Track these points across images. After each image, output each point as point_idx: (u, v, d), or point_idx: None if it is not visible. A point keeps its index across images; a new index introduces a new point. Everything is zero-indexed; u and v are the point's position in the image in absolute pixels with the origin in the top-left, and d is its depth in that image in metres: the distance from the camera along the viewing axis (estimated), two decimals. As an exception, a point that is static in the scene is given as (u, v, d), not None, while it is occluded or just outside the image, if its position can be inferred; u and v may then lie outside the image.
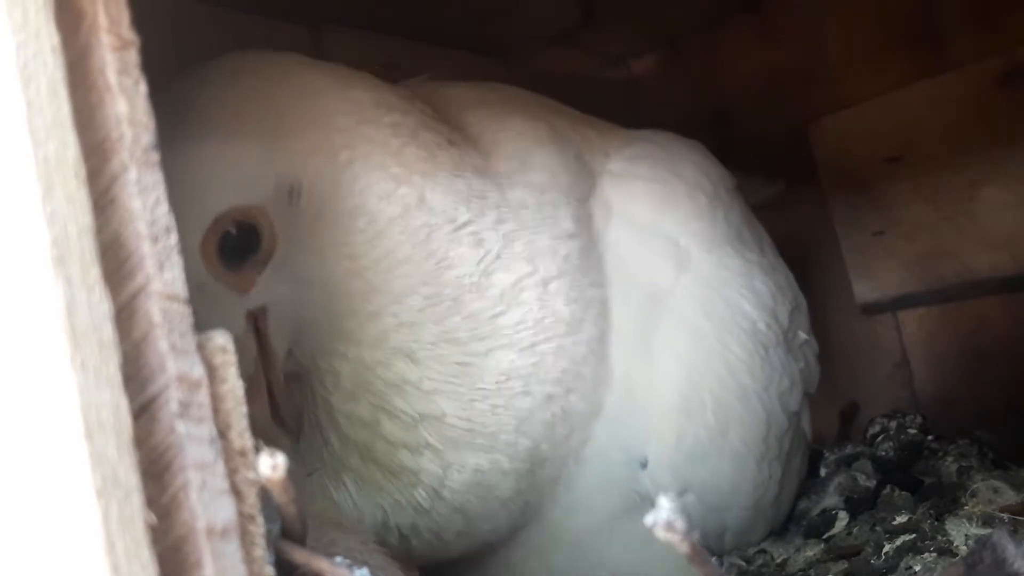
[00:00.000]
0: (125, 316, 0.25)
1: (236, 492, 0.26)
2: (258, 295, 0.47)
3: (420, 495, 0.48)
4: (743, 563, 0.60)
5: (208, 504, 0.25)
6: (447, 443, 0.48)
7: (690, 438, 0.54)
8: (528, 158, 0.54)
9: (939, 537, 0.54)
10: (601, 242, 0.55)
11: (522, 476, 0.50)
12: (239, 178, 0.46)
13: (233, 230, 0.46)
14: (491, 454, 0.49)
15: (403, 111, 0.50)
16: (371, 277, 0.47)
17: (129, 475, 0.24)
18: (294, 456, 0.49)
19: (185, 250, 0.44)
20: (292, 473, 0.28)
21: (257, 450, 0.27)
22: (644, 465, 0.54)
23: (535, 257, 0.50)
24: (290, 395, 0.50)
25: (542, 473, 0.52)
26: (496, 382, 0.48)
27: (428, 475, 0.48)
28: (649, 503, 0.54)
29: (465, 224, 0.49)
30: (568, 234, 0.53)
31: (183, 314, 0.26)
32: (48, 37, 0.25)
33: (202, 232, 0.45)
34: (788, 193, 0.92)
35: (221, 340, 0.27)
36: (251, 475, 0.27)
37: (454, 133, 0.52)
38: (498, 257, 0.49)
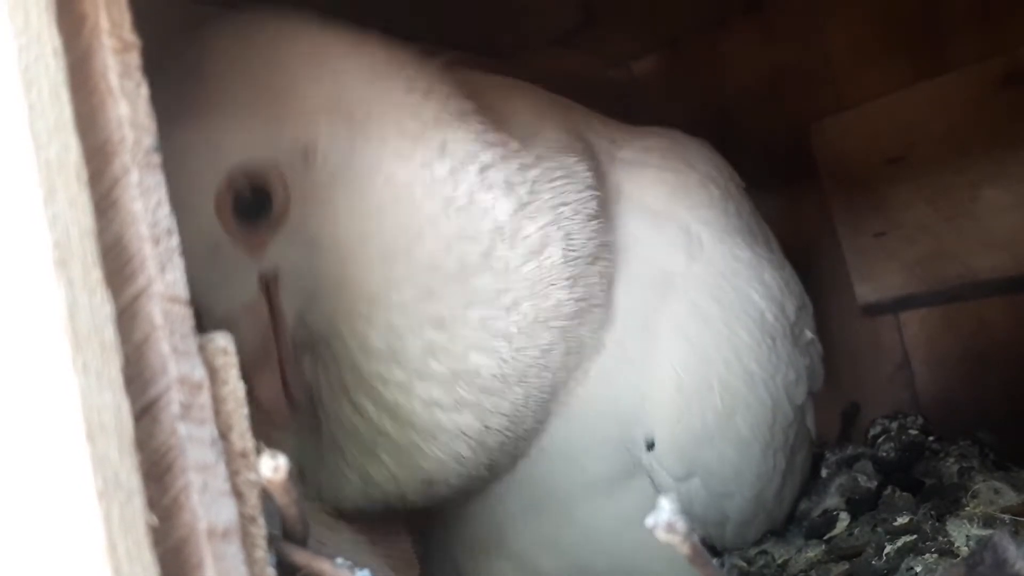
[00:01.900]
0: (127, 318, 0.25)
1: (237, 494, 0.27)
2: (271, 258, 0.47)
3: (463, 448, 0.49)
4: (744, 564, 0.60)
5: (209, 506, 0.25)
6: (483, 394, 0.49)
7: (697, 420, 0.54)
8: (539, 131, 0.55)
9: (940, 538, 0.54)
10: (612, 214, 0.56)
11: (540, 407, 0.51)
12: (251, 136, 0.46)
13: (247, 189, 0.46)
14: (523, 391, 0.50)
15: (417, 66, 0.50)
16: (392, 240, 0.47)
17: (131, 477, 0.24)
18: (300, 431, 0.50)
19: (200, 209, 0.44)
20: (292, 474, 0.28)
21: (258, 451, 0.27)
22: (651, 446, 0.54)
23: (558, 206, 0.51)
24: (299, 365, 0.50)
25: (552, 402, 0.52)
26: (524, 330, 0.49)
27: (468, 427, 0.49)
28: (647, 479, 0.55)
29: (491, 166, 0.49)
30: (586, 189, 0.53)
31: (184, 316, 0.26)
32: (50, 40, 0.25)
33: (215, 189, 0.45)
34: (789, 194, 0.92)
35: (222, 342, 0.27)
36: (252, 476, 0.27)
37: (469, 96, 0.52)
38: (526, 204, 0.49)
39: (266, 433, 0.48)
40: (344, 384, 0.49)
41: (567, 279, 0.50)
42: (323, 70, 0.48)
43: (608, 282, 0.53)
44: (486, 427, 0.49)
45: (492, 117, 0.52)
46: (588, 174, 0.54)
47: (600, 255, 0.52)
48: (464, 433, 0.49)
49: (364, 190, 0.47)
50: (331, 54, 0.49)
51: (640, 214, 0.57)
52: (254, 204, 0.46)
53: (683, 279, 0.56)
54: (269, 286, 0.48)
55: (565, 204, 0.51)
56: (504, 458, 0.52)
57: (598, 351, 0.53)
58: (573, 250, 0.51)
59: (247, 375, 0.48)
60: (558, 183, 0.51)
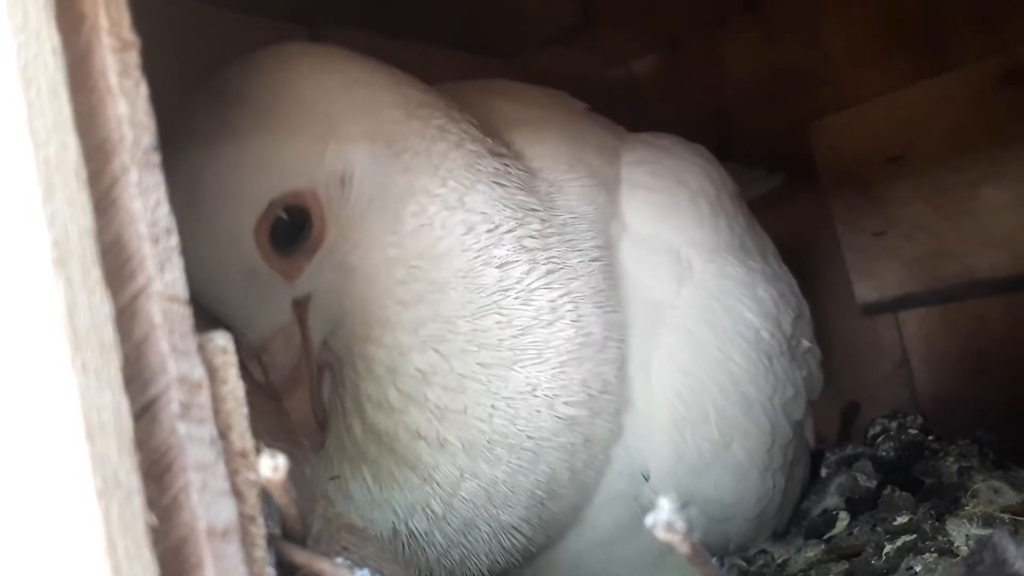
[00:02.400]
0: (126, 317, 0.25)
1: (237, 493, 0.26)
2: (305, 283, 0.48)
3: (434, 499, 0.48)
4: (744, 563, 0.60)
5: (209, 505, 0.25)
6: (466, 445, 0.48)
7: (693, 451, 0.53)
8: (565, 184, 0.54)
9: (940, 537, 0.54)
10: (617, 262, 0.55)
11: (533, 505, 0.49)
12: (292, 164, 0.46)
13: (285, 216, 0.46)
14: (508, 469, 0.48)
15: (450, 118, 0.51)
16: (414, 265, 0.48)
17: (130, 476, 0.24)
18: (320, 453, 0.50)
19: (239, 235, 0.45)
20: (294, 475, 0.28)
21: (258, 451, 0.27)
22: (646, 478, 0.53)
23: (573, 276, 0.51)
24: (321, 386, 0.50)
25: (554, 506, 0.50)
26: (520, 393, 0.48)
27: (444, 476, 0.48)
28: None
29: (505, 229, 0.49)
30: (595, 257, 0.53)
31: (184, 315, 0.26)
32: (49, 38, 0.25)
33: (256, 217, 0.46)
34: (788, 193, 0.92)
35: (222, 341, 0.27)
36: (252, 476, 0.27)
37: (498, 146, 0.53)
38: (546, 273, 0.50)
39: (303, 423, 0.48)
40: (344, 406, 0.49)
41: (577, 359, 0.49)
42: (363, 100, 0.49)
43: (621, 363, 0.52)
44: (457, 489, 0.48)
45: (525, 167, 0.53)
46: (596, 242, 0.53)
47: (611, 336, 0.51)
48: (436, 479, 0.48)
49: (396, 218, 0.48)
50: (371, 86, 0.50)
51: (633, 244, 0.56)
52: (292, 231, 0.47)
53: (674, 306, 0.55)
54: (301, 310, 0.49)
55: (577, 275, 0.51)
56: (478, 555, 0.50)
57: (619, 436, 0.52)
58: (585, 332, 0.50)
59: (279, 395, 0.49)
60: (574, 253, 0.51)
